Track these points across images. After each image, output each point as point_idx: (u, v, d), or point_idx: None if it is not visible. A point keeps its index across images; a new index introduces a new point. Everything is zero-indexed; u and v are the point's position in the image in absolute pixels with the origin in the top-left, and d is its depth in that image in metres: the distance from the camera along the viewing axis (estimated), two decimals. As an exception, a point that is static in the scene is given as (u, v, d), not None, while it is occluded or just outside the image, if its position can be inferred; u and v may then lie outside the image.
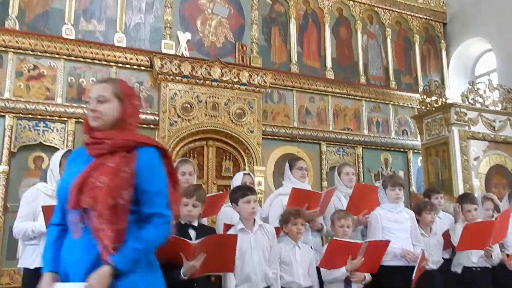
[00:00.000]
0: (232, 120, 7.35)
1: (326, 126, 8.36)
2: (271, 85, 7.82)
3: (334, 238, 3.60)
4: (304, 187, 4.21)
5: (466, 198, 4.54)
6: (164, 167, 2.10)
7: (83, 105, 6.60)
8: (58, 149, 6.04)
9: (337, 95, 8.54)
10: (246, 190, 3.45)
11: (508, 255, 4.39)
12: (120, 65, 6.95)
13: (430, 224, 4.25)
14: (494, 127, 7.13)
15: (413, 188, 8.58)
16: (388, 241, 3.67)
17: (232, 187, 4.22)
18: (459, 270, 4.35)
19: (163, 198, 2.06)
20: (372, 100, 8.85)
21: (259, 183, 6.91)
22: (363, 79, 8.88)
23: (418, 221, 4.13)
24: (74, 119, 6.56)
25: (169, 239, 2.97)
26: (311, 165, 7.99)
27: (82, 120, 6.45)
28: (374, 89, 8.87)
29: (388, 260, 3.76)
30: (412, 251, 3.81)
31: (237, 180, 4.25)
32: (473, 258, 4.26)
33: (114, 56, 6.90)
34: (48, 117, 6.45)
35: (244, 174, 4.39)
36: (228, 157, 7.48)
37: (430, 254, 4.15)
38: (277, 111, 8.05)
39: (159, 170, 2.07)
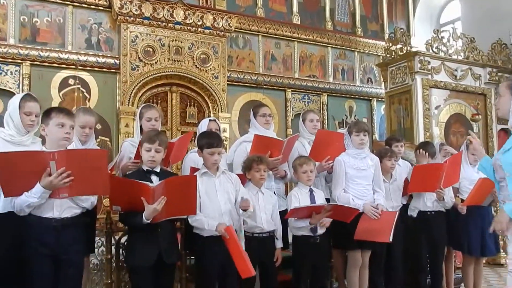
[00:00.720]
0: (196, 65, 7.18)
1: (291, 73, 8.30)
2: (236, 29, 7.63)
3: (295, 207, 3.64)
4: (268, 134, 4.20)
5: (424, 147, 4.68)
6: None
7: (38, 47, 6.30)
8: (13, 93, 5.81)
9: (303, 41, 8.44)
10: (213, 140, 3.37)
11: (462, 200, 4.57)
12: (76, 4, 6.59)
13: (390, 170, 4.36)
14: (455, 76, 7.22)
15: (376, 136, 8.74)
16: (357, 210, 3.74)
17: (198, 134, 4.17)
18: (414, 214, 4.54)
19: None
20: (338, 47, 8.80)
21: (224, 130, 6.86)
22: (329, 25, 8.77)
23: (379, 167, 4.22)
24: (29, 62, 6.23)
25: (128, 184, 2.96)
26: (276, 112, 7.99)
27: (38, 63, 6.26)
28: (340, 35, 8.80)
29: None
30: (374, 207, 3.88)
31: (203, 126, 4.19)
32: (428, 202, 4.46)
33: (70, -6, 6.53)
34: (1, 59, 6.11)
35: (210, 120, 4.34)
36: (192, 103, 7.36)
37: (390, 199, 4.29)
38: (242, 57, 7.91)
39: None
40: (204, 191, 3.28)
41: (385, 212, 3.90)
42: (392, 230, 3.82)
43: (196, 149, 3.97)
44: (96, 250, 3.94)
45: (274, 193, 3.95)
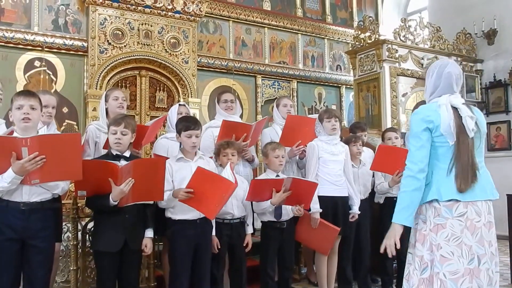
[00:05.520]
0: (166, 50, 7.10)
1: (262, 59, 8.32)
2: (206, 14, 7.58)
3: (255, 178, 3.68)
4: (234, 120, 4.21)
5: (389, 128, 4.79)
6: None
7: (3, 28, 6.12)
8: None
9: (274, 27, 8.45)
10: (190, 123, 3.37)
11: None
12: (43, -16, 6.42)
13: (357, 155, 4.42)
14: (422, 65, 7.37)
15: (345, 123, 8.85)
16: (316, 184, 3.79)
17: (168, 119, 4.15)
18: (381, 201, 4.63)
19: None
20: (308, 34, 8.85)
21: (194, 115, 6.83)
22: (299, 12, 8.80)
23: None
24: (-8, 43, 6.07)
25: (96, 164, 2.94)
26: (246, 98, 8.01)
27: (3, 44, 6.08)
28: (311, 22, 8.85)
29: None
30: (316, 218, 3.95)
31: (173, 112, 4.16)
32: (394, 190, 4.53)
33: (35, -25, 6.34)
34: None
35: (180, 105, 4.32)
36: (162, 88, 7.30)
37: (359, 183, 4.37)
38: (213, 42, 7.87)
39: None
40: (180, 177, 3.25)
41: (332, 226, 3.97)
42: (332, 245, 4.01)
43: (165, 134, 3.97)
44: (62, 236, 3.89)
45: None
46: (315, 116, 4.45)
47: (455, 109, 2.48)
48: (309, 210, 3.93)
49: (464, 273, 2.32)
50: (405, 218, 2.54)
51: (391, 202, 4.55)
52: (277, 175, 3.86)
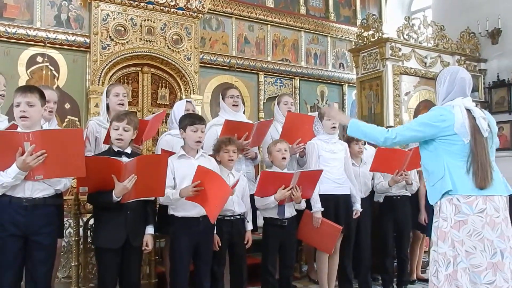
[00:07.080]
0: (168, 46, 7.10)
1: (264, 56, 8.31)
2: (209, 11, 7.57)
3: (265, 170, 3.68)
4: (238, 117, 4.20)
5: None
6: None
7: (5, 23, 6.11)
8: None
9: (277, 25, 8.44)
10: (195, 118, 3.41)
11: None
12: (45, -20, 6.41)
13: (358, 154, 4.42)
14: (425, 63, 7.33)
15: (347, 121, 8.83)
16: (321, 170, 3.80)
17: (173, 115, 4.12)
18: (381, 200, 4.63)
19: None
20: (311, 31, 8.83)
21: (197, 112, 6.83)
22: (303, 10, 8.78)
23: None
24: (-6, 38, 6.07)
25: (99, 161, 2.93)
26: (249, 96, 8.01)
27: (5, 39, 6.07)
28: (314, 20, 8.83)
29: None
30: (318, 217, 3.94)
31: (179, 108, 4.12)
32: (393, 189, 4.53)
33: (38, -29, 6.33)
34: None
35: (187, 101, 4.30)
36: (164, 84, 7.29)
37: (360, 182, 4.36)
38: (215, 39, 7.87)
39: None
40: (182, 175, 3.26)
41: (335, 225, 3.96)
42: (335, 244, 4.00)
43: (169, 131, 3.96)
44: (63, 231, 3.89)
45: (244, 175, 3.97)
46: (315, 114, 4.44)
47: (468, 110, 2.63)
48: (311, 209, 3.93)
49: (487, 267, 2.45)
50: (354, 128, 2.93)
51: (390, 201, 4.57)
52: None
